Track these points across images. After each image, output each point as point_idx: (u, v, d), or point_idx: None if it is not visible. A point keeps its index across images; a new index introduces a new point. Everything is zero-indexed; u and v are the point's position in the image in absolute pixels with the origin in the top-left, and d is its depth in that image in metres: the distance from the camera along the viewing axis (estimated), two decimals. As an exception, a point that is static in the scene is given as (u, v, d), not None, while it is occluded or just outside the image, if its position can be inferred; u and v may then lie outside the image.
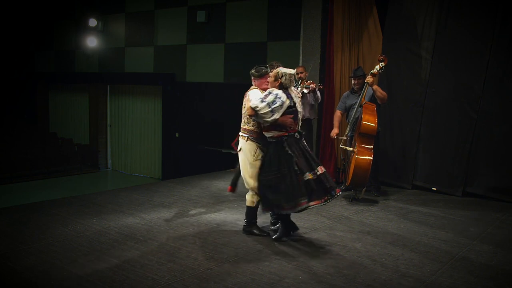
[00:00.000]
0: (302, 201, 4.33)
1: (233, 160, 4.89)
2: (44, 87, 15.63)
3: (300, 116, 4.59)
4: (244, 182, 4.73)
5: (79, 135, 14.67)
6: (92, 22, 13.28)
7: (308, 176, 4.38)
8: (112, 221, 5.17)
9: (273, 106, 4.36)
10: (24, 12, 14.90)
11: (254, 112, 4.42)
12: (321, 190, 4.42)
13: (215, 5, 10.77)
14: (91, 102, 14.32)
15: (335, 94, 7.46)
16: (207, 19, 10.86)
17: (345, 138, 6.41)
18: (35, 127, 15.17)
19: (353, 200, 6.21)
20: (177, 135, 11.79)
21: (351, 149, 6.16)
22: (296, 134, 4.50)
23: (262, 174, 4.52)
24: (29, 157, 12.79)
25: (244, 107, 4.68)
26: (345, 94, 6.75)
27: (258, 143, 4.64)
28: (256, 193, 4.65)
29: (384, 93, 6.21)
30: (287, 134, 4.44)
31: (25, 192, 10.86)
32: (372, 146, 5.99)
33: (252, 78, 4.73)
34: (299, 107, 4.57)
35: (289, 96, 4.48)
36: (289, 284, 3.61)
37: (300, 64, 7.48)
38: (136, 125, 13.54)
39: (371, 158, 5.91)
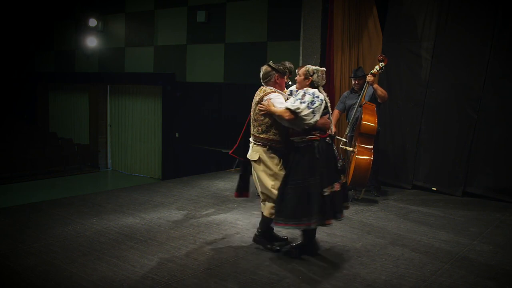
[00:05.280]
0: (327, 219, 3.96)
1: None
2: (44, 87, 15.65)
3: (331, 118, 4.19)
4: (263, 193, 4.22)
5: (79, 135, 14.69)
6: (92, 22, 13.30)
7: (326, 191, 3.93)
8: (112, 221, 5.17)
9: (313, 107, 3.90)
10: (24, 12, 14.91)
11: (294, 115, 3.88)
12: (329, 210, 3.96)
13: (215, 5, 10.77)
14: (91, 102, 14.34)
15: (335, 94, 7.45)
16: (207, 19, 10.86)
17: (344, 139, 6.40)
18: (35, 127, 15.19)
19: (353, 200, 6.20)
20: (177, 135, 11.80)
21: (351, 149, 6.16)
22: (328, 138, 4.06)
23: (287, 183, 4.01)
24: (29, 157, 12.79)
25: (255, 112, 4.20)
26: (345, 93, 6.74)
27: (280, 152, 4.18)
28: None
29: (384, 91, 6.22)
30: (318, 138, 4.00)
31: (25, 192, 10.86)
32: (372, 146, 5.99)
33: (276, 75, 4.23)
34: (329, 108, 4.17)
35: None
36: (289, 284, 3.61)
37: (300, 65, 7.48)
38: (136, 125, 13.54)
39: (371, 158, 5.91)
